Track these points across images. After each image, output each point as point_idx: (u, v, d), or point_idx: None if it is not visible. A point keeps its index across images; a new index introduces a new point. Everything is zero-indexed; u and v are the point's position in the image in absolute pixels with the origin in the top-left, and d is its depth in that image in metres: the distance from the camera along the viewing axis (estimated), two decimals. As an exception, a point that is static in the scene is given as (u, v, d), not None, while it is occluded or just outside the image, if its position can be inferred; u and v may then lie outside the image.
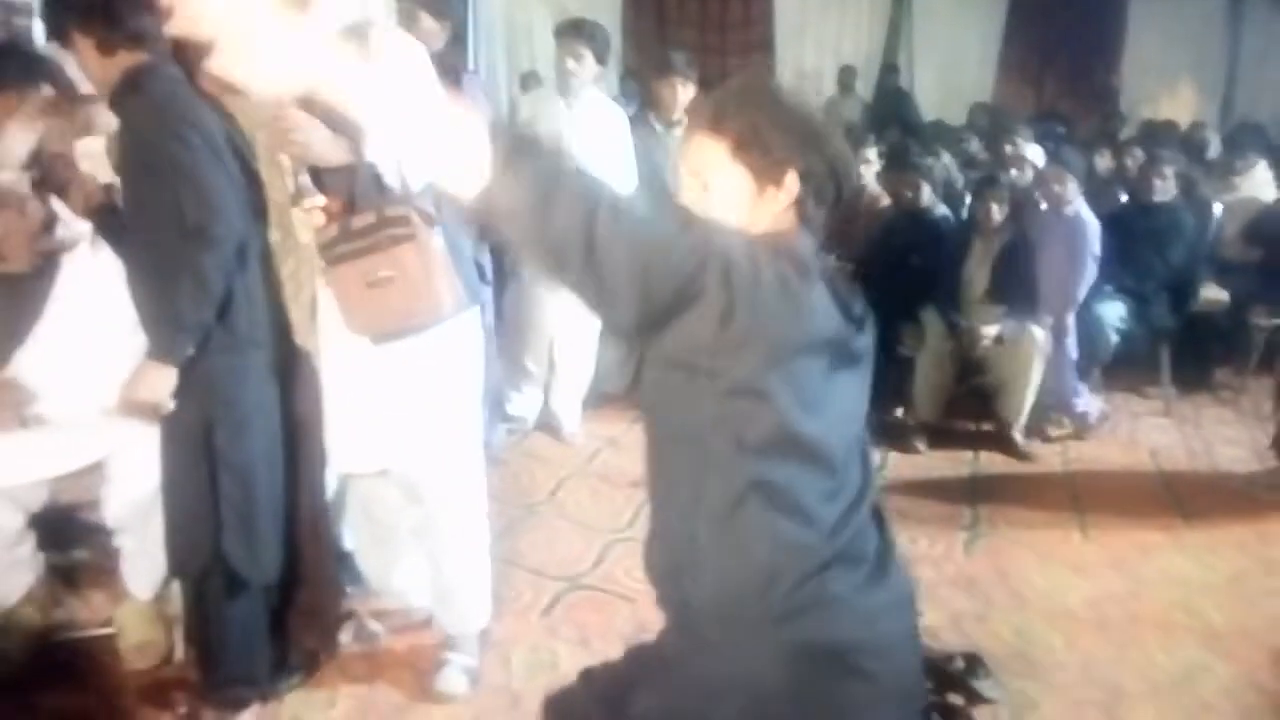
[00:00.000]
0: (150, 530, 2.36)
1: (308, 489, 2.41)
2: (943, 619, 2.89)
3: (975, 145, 6.81)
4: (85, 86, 2.25)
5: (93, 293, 2.27)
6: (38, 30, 3.46)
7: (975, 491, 3.90)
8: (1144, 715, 2.51)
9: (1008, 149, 5.65)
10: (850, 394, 1.33)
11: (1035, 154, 5.45)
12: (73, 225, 2.27)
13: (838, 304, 1.28)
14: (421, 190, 2.22)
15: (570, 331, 4.11)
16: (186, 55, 2.17)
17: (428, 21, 3.27)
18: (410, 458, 2.39)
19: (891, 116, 8.07)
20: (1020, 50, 9.32)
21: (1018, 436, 4.27)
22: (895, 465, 4.14)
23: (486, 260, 2.47)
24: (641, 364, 1.39)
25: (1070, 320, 4.38)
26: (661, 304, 1.17)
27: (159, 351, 2.13)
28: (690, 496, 1.32)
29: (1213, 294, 4.98)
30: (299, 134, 2.14)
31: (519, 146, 1.13)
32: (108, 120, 2.22)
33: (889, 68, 9.32)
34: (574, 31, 3.96)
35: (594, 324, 4.12)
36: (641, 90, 6.16)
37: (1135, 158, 5.77)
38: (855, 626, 1.31)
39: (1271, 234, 5.06)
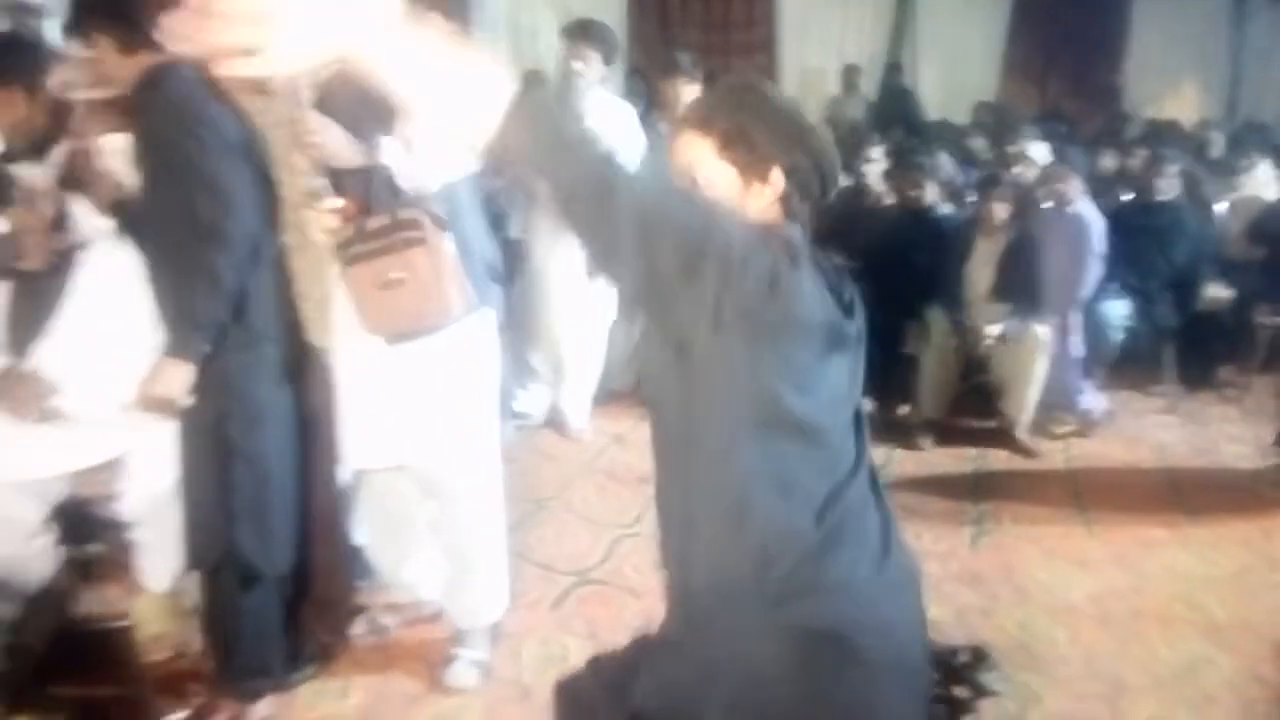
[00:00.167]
0: (167, 524, 2.39)
1: (321, 483, 2.45)
2: (948, 613, 2.92)
3: (980, 144, 6.82)
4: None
5: (112, 289, 2.29)
6: (49, 31, 3.48)
7: (980, 488, 3.93)
8: (1146, 708, 2.54)
9: (1011, 147, 5.67)
10: (842, 377, 1.35)
11: (1040, 152, 5.46)
12: (91, 222, 2.30)
13: (829, 289, 1.31)
14: (435, 193, 2.25)
15: (578, 329, 4.14)
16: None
17: (437, 23, 3.29)
18: (427, 454, 2.43)
19: (896, 116, 8.08)
20: (1024, 49, 9.33)
21: (1022, 434, 4.29)
22: (900, 462, 4.16)
23: (499, 261, 2.50)
24: (641, 345, 1.42)
25: (1075, 318, 4.41)
26: (666, 271, 1.19)
27: (175, 349, 2.17)
28: (686, 480, 1.35)
29: (1217, 292, 5.00)
30: (315, 136, 2.18)
31: (537, 95, 1.18)
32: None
33: (893, 67, 9.33)
34: (581, 33, 3.97)
35: (602, 322, 4.15)
36: (647, 90, 6.18)
37: (1139, 157, 5.78)
38: (855, 610, 1.32)
39: (1275, 233, 5.07)
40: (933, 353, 4.33)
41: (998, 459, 4.22)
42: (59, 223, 2.31)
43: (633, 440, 4.13)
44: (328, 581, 2.51)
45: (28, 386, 2.23)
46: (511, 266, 4.02)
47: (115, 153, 2.22)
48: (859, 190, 5.13)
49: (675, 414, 1.34)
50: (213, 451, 2.27)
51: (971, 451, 4.28)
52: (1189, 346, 4.87)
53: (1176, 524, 3.59)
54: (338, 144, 2.19)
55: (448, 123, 1.16)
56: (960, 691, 2.49)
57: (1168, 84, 8.97)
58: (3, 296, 2.34)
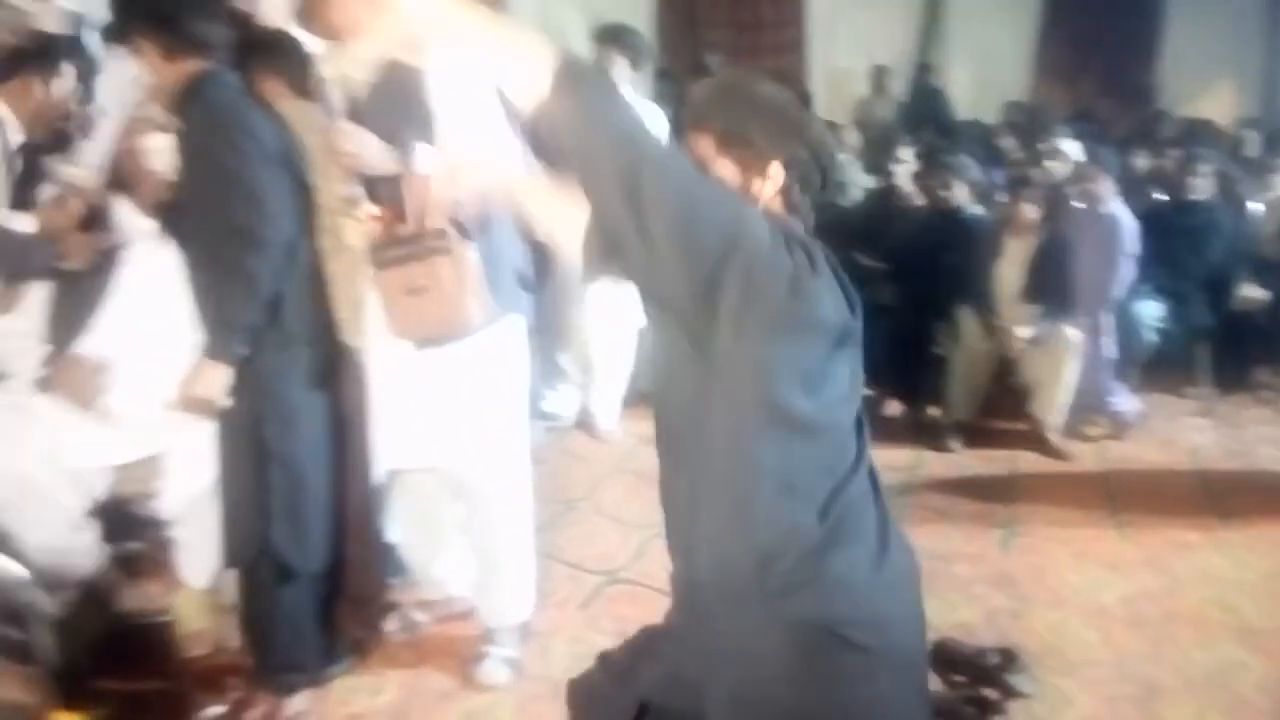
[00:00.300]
0: (205, 522, 2.44)
1: (355, 483, 2.49)
2: (978, 615, 2.92)
3: (1010, 143, 6.77)
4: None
5: (153, 289, 2.35)
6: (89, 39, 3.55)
7: (1011, 490, 3.91)
8: (1179, 711, 2.52)
9: (1042, 145, 5.62)
10: (847, 376, 1.37)
11: (1072, 149, 5.41)
12: (134, 223, 2.35)
13: (841, 289, 1.33)
14: (464, 203, 2.28)
15: (608, 331, 4.16)
16: (248, 63, 2.27)
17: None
18: (457, 457, 2.46)
19: (926, 116, 8.05)
20: (1056, 49, 9.24)
21: (1053, 436, 4.26)
22: (929, 464, 4.15)
23: (529, 269, 2.53)
24: (655, 342, 1.44)
25: (1107, 320, 4.37)
26: (705, 271, 1.21)
27: (213, 350, 2.21)
28: (692, 476, 1.37)
29: (1252, 293, 4.94)
30: (350, 144, 2.23)
31: (581, 70, 1.23)
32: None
33: (923, 67, 9.28)
34: (611, 39, 3.99)
35: (632, 324, 4.17)
36: (677, 91, 6.19)
37: (1173, 156, 5.72)
38: (852, 604, 1.34)
39: (1312, 233, 5.02)
40: (963, 354, 4.31)
41: (1028, 461, 4.19)
42: (101, 222, 2.37)
43: (662, 441, 4.14)
44: (361, 579, 2.55)
45: (84, 372, 2.30)
46: (542, 269, 4.05)
47: (160, 155, 2.27)
48: (888, 191, 5.13)
49: (685, 410, 1.36)
50: (249, 452, 2.32)
51: (1002, 453, 4.25)
52: (1224, 348, 4.81)
53: (1210, 527, 3.56)
54: (372, 152, 2.23)
55: (496, 89, 1.25)
56: (990, 692, 2.50)
57: (1203, 83, 8.85)
58: (46, 294, 2.41)
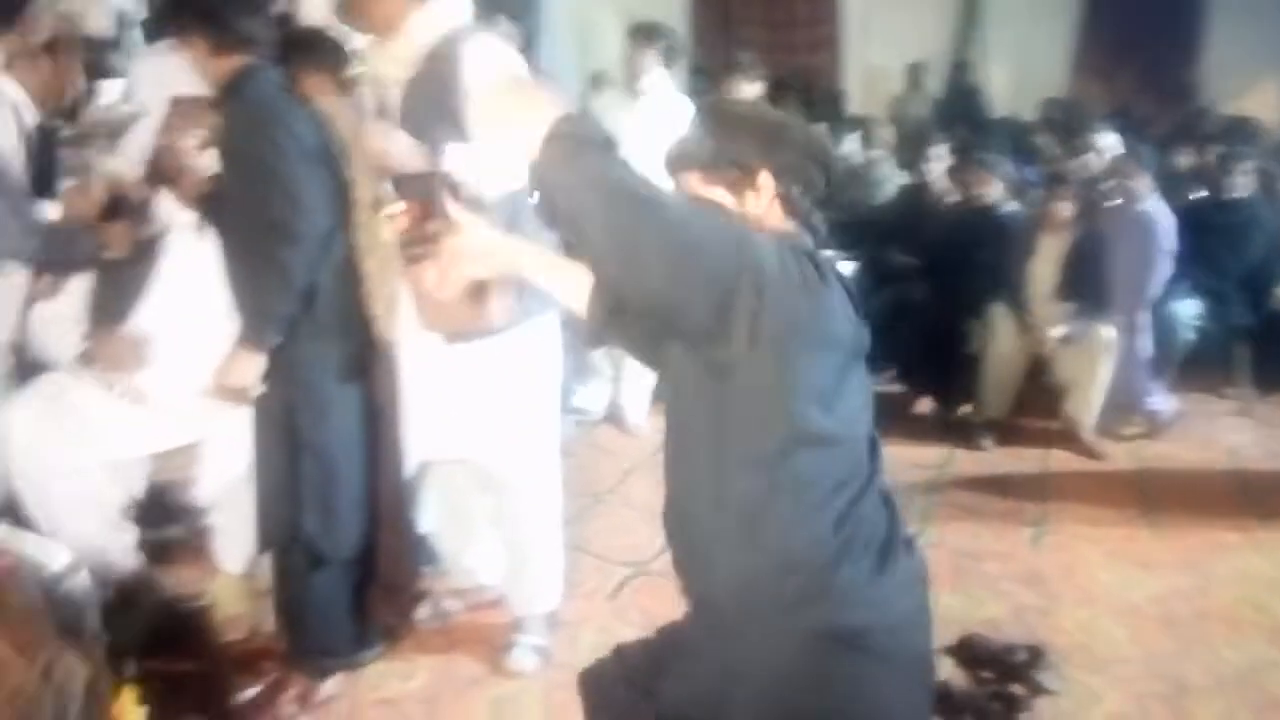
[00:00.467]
0: (240, 508, 2.49)
1: (387, 473, 2.52)
2: (1006, 612, 2.91)
3: (1046, 140, 6.70)
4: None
5: (192, 279, 2.41)
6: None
7: (1043, 488, 3.88)
8: (1209, 710, 2.51)
9: (1078, 141, 5.56)
10: (860, 389, 1.38)
11: (1109, 142, 5.34)
12: (174, 214, 2.41)
13: (851, 302, 1.33)
14: (498, 201, 2.31)
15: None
16: (292, 60, 2.32)
17: (505, 24, 3.37)
18: (487, 450, 2.49)
19: (961, 113, 7.99)
20: (1095, 47, 9.12)
21: (1087, 435, 4.22)
22: (959, 461, 4.12)
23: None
24: (671, 366, 1.44)
25: (1143, 318, 4.32)
26: (716, 300, 1.19)
27: (248, 339, 2.27)
28: (708, 492, 1.37)
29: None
30: (380, 142, 2.27)
31: (574, 132, 1.19)
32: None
33: (960, 65, 9.22)
34: (645, 37, 4.01)
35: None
36: (711, 89, 6.20)
37: (1213, 153, 5.64)
38: (866, 611, 1.35)
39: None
40: (996, 352, 4.27)
41: (1060, 459, 4.16)
42: (141, 214, 2.43)
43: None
44: (394, 567, 2.59)
45: (126, 344, 2.36)
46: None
47: (200, 151, 2.33)
48: (922, 188, 5.10)
49: (702, 430, 1.37)
50: (282, 441, 2.37)
51: (1034, 451, 4.22)
52: (1263, 348, 4.72)
53: (1248, 528, 3.51)
54: (402, 150, 2.27)
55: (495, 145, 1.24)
56: (1016, 689, 2.50)
57: (1247, 80, 8.70)
58: (87, 284, 2.47)
